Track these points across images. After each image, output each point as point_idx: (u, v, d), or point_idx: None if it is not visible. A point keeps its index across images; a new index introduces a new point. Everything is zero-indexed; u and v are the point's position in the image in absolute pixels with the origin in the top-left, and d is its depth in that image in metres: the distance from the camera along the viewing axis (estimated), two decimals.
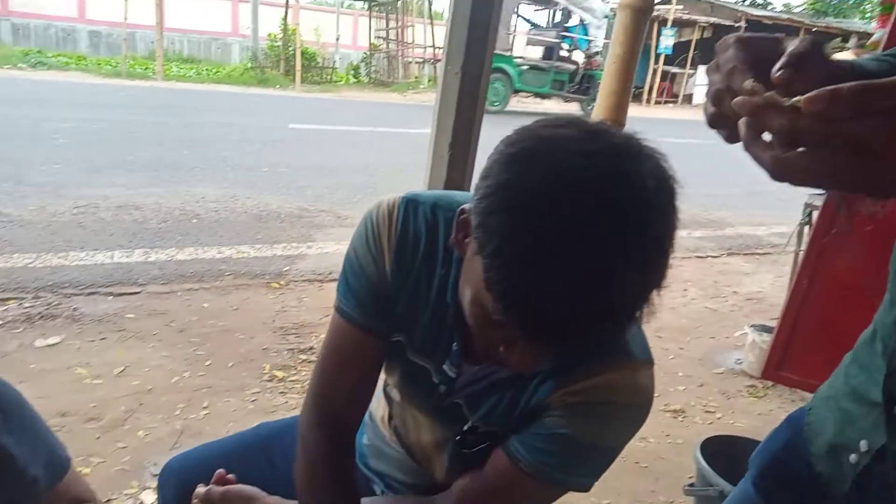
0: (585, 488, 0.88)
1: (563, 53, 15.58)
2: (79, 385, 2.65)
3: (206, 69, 16.45)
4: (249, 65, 16.57)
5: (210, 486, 1.10)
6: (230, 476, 1.14)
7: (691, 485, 1.85)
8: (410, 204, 0.89)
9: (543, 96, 15.83)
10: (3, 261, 3.71)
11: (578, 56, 15.83)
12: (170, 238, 4.35)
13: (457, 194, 0.94)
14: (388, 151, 8.32)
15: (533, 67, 14.93)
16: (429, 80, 17.55)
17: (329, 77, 17.20)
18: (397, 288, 0.90)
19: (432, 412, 0.96)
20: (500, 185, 0.64)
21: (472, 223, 0.68)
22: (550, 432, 0.84)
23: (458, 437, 0.93)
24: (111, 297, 3.47)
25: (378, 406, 1.11)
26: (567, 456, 0.85)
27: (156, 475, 2.18)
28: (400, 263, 0.88)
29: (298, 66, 15.44)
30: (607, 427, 0.84)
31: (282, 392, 2.78)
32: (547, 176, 0.63)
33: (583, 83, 15.12)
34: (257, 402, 2.68)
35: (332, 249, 4.47)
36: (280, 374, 2.90)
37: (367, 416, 1.15)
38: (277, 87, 15.28)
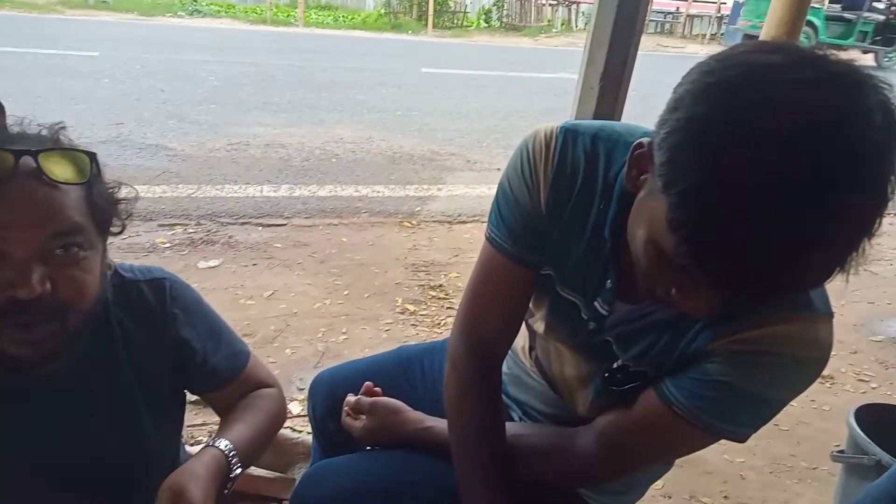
0: (741, 439, 0.84)
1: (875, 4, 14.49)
2: (235, 304, 2.93)
3: (343, 16, 16.90)
4: (383, 11, 16.82)
5: (359, 397, 1.19)
6: (377, 389, 1.22)
7: (841, 451, 1.73)
8: (569, 134, 0.86)
9: (844, 49, 14.83)
10: (170, 190, 4.12)
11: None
12: (311, 175, 4.60)
13: (618, 125, 0.89)
14: (519, 96, 8.18)
15: (839, 18, 14.06)
16: (562, 24, 16.90)
17: (460, 22, 17.07)
18: (551, 220, 0.88)
19: (578, 347, 0.95)
20: (694, 118, 0.58)
21: (656, 159, 0.62)
22: (711, 379, 0.80)
23: (606, 375, 0.92)
24: (261, 227, 3.76)
25: (519, 336, 1.12)
26: (726, 403, 0.81)
27: (302, 389, 2.40)
28: (555, 195, 0.86)
29: (431, 12, 15.46)
30: (776, 379, 0.78)
31: (413, 325, 2.90)
32: (753, 110, 0.55)
33: (886, 33, 14.07)
34: (390, 332, 2.83)
35: (461, 192, 4.53)
36: (411, 307, 3.03)
37: None
38: (410, 32, 15.41)
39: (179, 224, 3.70)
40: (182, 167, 4.52)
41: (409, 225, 3.95)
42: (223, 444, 0.93)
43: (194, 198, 4.05)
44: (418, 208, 4.20)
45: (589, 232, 0.85)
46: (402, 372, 1.32)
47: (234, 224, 3.76)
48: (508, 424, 1.03)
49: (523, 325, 1.09)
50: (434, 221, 4.03)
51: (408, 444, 1.08)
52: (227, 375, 1.06)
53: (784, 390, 0.80)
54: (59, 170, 0.77)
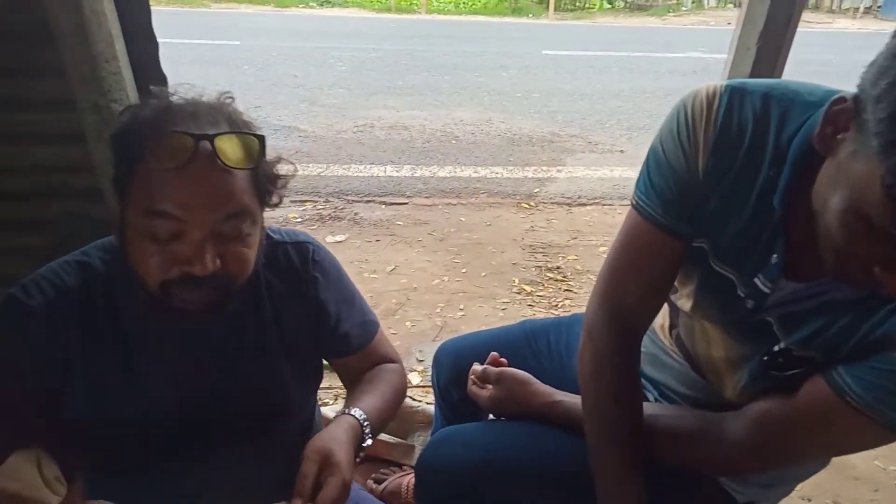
0: None
1: None
2: (360, 277, 3.06)
3: (464, 2, 16.94)
4: None
5: (486, 366, 1.20)
6: (503, 360, 1.23)
7: None
8: (736, 93, 0.79)
9: None
10: (302, 169, 4.36)
11: None
12: (432, 156, 4.69)
13: (793, 84, 0.79)
14: (644, 77, 7.83)
15: None
16: (692, 2, 15.89)
17: (582, 4, 16.57)
18: (709, 187, 0.81)
19: (730, 327, 0.88)
20: None
21: (869, 115, 0.56)
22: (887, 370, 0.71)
23: (765, 358, 0.84)
24: (384, 205, 3.89)
25: (658, 313, 1.08)
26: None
27: (421, 360, 2.47)
28: (716, 160, 0.79)
29: None
30: None
31: (529, 305, 2.89)
32: None
33: None
34: (507, 312, 2.83)
35: (581, 174, 4.42)
36: (528, 288, 3.02)
37: None
38: (530, 15, 15.19)
39: (310, 200, 3.91)
40: (312, 147, 4.76)
41: (527, 206, 3.92)
42: (358, 413, 0.98)
43: (323, 176, 4.26)
44: (537, 190, 4.16)
45: (754, 201, 0.78)
46: (527, 345, 1.31)
47: (359, 202, 3.92)
48: (645, 404, 0.98)
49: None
50: (553, 203, 3.98)
51: (535, 417, 1.07)
52: (357, 343, 1.10)
53: None
54: (232, 154, 0.80)
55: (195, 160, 0.77)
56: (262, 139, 0.83)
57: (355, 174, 4.32)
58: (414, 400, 1.88)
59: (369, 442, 0.98)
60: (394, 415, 1.13)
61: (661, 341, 1.05)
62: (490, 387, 1.14)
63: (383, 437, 1.70)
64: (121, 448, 0.94)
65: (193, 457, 0.94)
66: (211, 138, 0.78)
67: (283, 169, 0.90)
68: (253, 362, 0.98)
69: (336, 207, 3.84)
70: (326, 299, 1.04)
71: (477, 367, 1.19)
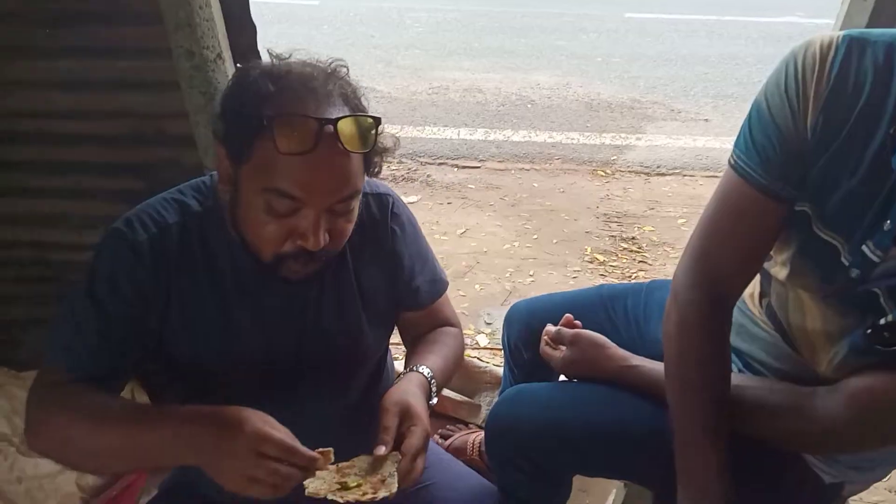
0: None
1: None
2: (431, 239, 3.04)
3: None
4: None
5: (560, 327, 1.18)
6: (577, 322, 1.21)
7: None
8: (855, 43, 0.72)
9: None
10: None
11: None
12: (507, 120, 4.61)
13: None
14: (734, 42, 7.38)
15: None
16: None
17: None
18: (818, 147, 0.76)
19: (830, 298, 0.83)
20: None
21: None
22: None
23: (868, 331, 0.78)
24: (456, 168, 3.88)
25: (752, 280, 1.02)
26: None
27: (489, 323, 2.47)
28: (828, 117, 0.74)
29: None
30: None
31: (602, 274, 2.83)
32: None
33: None
34: (577, 280, 2.79)
35: (661, 143, 4.25)
36: (601, 257, 2.95)
37: None
38: None
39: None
40: (388, 108, 4.77)
41: (604, 174, 3.81)
42: (425, 370, 0.99)
43: (398, 137, 4.27)
44: (614, 157, 4.03)
45: (868, 162, 0.72)
46: (602, 309, 1.28)
47: (432, 164, 3.91)
48: (735, 375, 0.94)
49: None
50: (630, 172, 3.85)
51: (610, 380, 1.05)
52: (426, 299, 1.11)
53: None
54: (352, 138, 0.79)
55: (319, 145, 0.77)
56: (378, 121, 0.82)
57: (429, 136, 4.31)
58: (481, 361, 1.88)
59: (435, 400, 0.99)
60: (451, 377, 1.13)
61: (749, 311, 1.00)
62: (563, 348, 1.12)
63: (451, 394, 1.72)
64: (208, 390, 0.98)
65: (275, 401, 0.97)
66: (334, 122, 0.77)
67: (388, 141, 0.89)
68: (333, 311, 1.00)
69: (409, 169, 3.85)
70: (402, 252, 1.05)
71: (551, 327, 1.17)
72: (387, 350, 1.19)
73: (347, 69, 0.87)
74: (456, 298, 2.61)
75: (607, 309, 1.29)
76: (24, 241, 1.55)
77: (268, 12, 7.66)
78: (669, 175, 3.80)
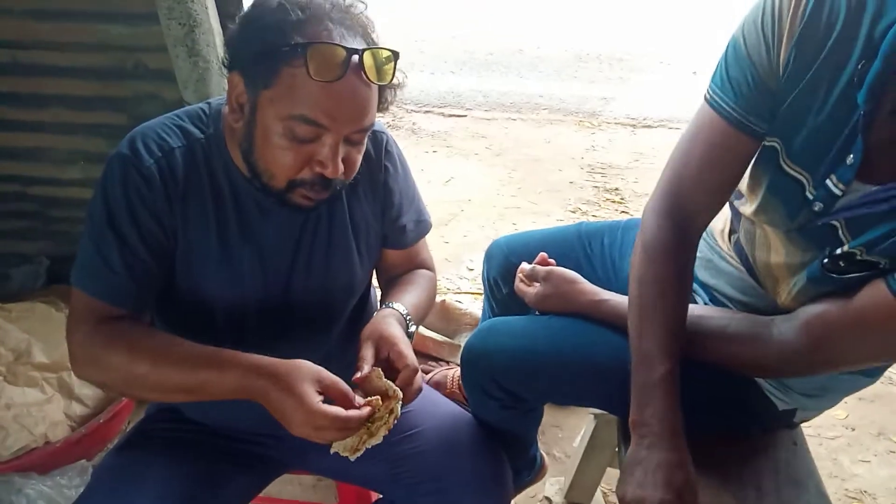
0: None
1: None
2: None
3: None
4: None
5: (534, 265, 1.21)
6: (551, 260, 1.24)
7: None
8: None
9: None
10: None
11: None
12: (494, 69, 4.57)
13: None
14: None
15: None
16: None
17: None
18: (788, 83, 0.77)
19: (793, 232, 0.86)
20: None
21: None
22: None
23: (825, 260, 0.82)
24: (442, 116, 3.86)
25: (717, 218, 1.05)
26: None
27: (471, 269, 2.51)
28: (800, 52, 0.75)
29: None
30: None
31: None
32: None
33: None
34: None
35: (649, 95, 4.24)
36: (584, 207, 2.98)
37: None
38: None
39: None
40: None
41: (590, 125, 3.81)
42: (400, 307, 1.02)
43: (405, 74, 4.22)
44: (600, 109, 4.02)
45: (835, 98, 0.74)
46: (580, 246, 1.31)
47: (417, 112, 3.89)
48: (694, 306, 0.98)
49: (727, 206, 1.01)
50: (616, 123, 3.85)
51: (581, 314, 1.09)
52: (410, 238, 1.13)
53: None
54: (377, 70, 0.81)
55: (346, 74, 0.78)
56: (397, 55, 0.83)
57: (415, 83, 4.25)
58: (461, 303, 1.93)
59: (412, 331, 1.02)
60: (424, 319, 1.16)
61: (718, 247, 1.03)
62: (537, 285, 1.15)
63: (432, 335, 1.76)
64: (203, 322, 0.99)
65: (272, 333, 1.00)
66: (360, 53, 0.79)
67: (399, 77, 0.90)
68: (326, 243, 1.02)
69: (395, 116, 3.82)
70: (393, 189, 1.07)
71: (525, 265, 1.20)
72: (370, 284, 1.21)
73: (365, 5, 0.88)
74: (440, 245, 2.64)
75: (584, 246, 1.32)
76: (4, 176, 1.54)
77: None
78: (655, 126, 3.81)
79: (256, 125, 0.84)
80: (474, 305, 1.95)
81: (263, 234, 0.97)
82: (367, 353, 0.90)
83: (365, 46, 0.81)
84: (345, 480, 1.18)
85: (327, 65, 0.78)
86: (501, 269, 1.36)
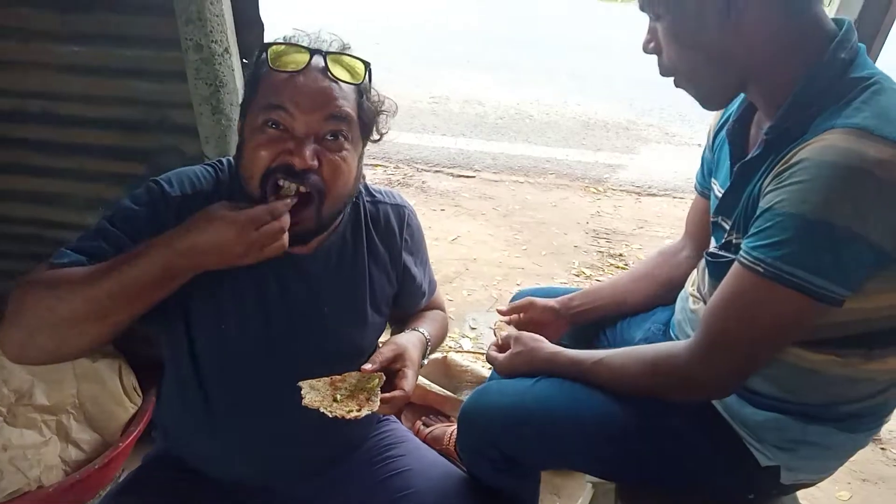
0: (832, 298, 0.77)
1: None
2: None
3: None
4: None
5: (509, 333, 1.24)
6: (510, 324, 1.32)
7: None
8: None
9: None
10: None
11: None
12: (504, 133, 4.69)
13: None
14: None
15: None
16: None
17: None
18: None
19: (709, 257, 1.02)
20: None
21: None
22: (759, 213, 0.82)
23: (708, 254, 0.98)
24: (451, 177, 3.94)
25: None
26: (786, 240, 0.78)
27: (474, 328, 2.52)
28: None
29: None
30: (814, 192, 0.76)
31: None
32: None
33: None
34: None
35: (654, 164, 4.33)
36: (588, 271, 3.01)
37: None
38: (619, 0, 14.78)
39: (381, 165, 4.00)
40: None
41: (595, 191, 3.88)
42: (425, 332, 1.12)
43: (395, 143, 4.33)
44: (607, 175, 4.11)
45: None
46: None
47: (428, 171, 3.98)
48: (620, 350, 1.05)
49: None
50: (622, 190, 3.92)
51: (543, 369, 1.11)
52: (426, 299, 1.24)
53: (830, 206, 0.75)
54: (339, 70, 0.92)
55: (309, 69, 0.90)
56: (367, 64, 0.95)
57: (427, 143, 4.37)
58: (464, 361, 1.93)
59: (426, 361, 1.11)
60: (437, 348, 1.25)
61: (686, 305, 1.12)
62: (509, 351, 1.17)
63: (437, 389, 1.77)
64: (200, 365, 1.00)
65: (268, 387, 1.01)
66: (324, 54, 0.91)
67: (386, 105, 1.01)
68: (343, 306, 1.06)
69: (405, 174, 3.91)
70: (411, 261, 1.15)
71: (500, 333, 1.23)
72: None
73: (350, 47, 0.98)
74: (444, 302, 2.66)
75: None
76: (25, 218, 1.59)
77: (275, 11, 7.73)
78: (660, 196, 3.88)
79: (244, 137, 0.94)
80: (476, 364, 1.95)
81: (275, 287, 1.01)
82: (387, 354, 0.98)
83: (330, 51, 0.92)
84: None
85: (286, 56, 0.91)
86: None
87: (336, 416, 0.86)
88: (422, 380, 1.79)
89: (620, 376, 1.00)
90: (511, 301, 1.40)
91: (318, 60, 0.91)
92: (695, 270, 1.14)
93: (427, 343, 1.10)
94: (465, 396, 1.78)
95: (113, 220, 0.93)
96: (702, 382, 0.91)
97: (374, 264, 1.09)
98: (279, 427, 1.01)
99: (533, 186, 3.89)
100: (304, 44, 0.93)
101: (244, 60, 1.34)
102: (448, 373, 1.86)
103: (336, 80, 0.91)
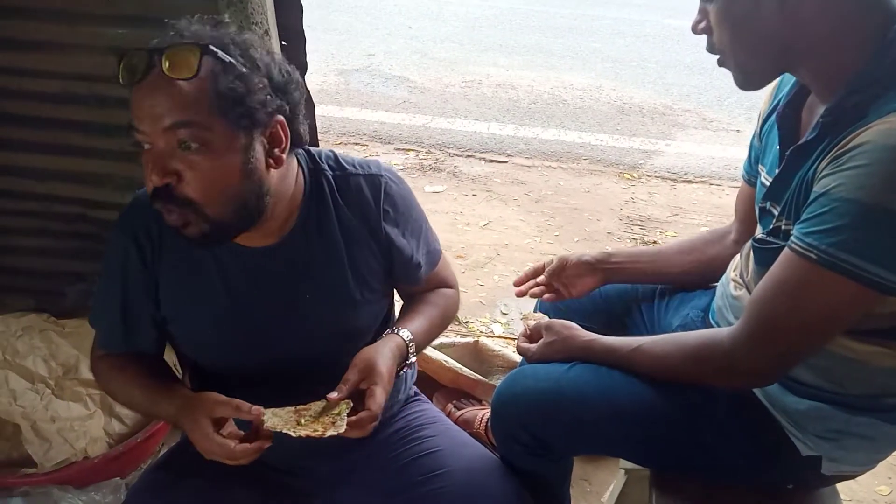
0: (883, 285, 0.74)
1: None
2: (454, 228, 3.13)
3: None
4: None
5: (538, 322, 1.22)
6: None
7: None
8: None
9: None
10: (408, 118, 4.44)
11: None
12: (537, 118, 4.64)
13: None
14: None
15: None
16: None
17: None
18: None
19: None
20: None
21: None
22: (814, 198, 0.80)
23: (756, 241, 0.95)
24: (483, 161, 3.92)
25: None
26: (841, 225, 0.76)
27: (505, 313, 2.52)
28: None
29: None
30: (873, 177, 0.73)
31: None
32: None
33: None
34: None
35: (691, 150, 4.24)
36: None
37: None
38: None
39: (413, 150, 4.00)
40: (420, 98, 4.83)
41: (630, 177, 3.83)
42: (405, 334, 1.05)
43: (427, 127, 4.33)
44: (642, 161, 4.04)
45: None
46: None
47: (459, 156, 3.96)
48: (659, 337, 1.05)
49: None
50: (657, 177, 3.86)
51: (578, 356, 1.10)
52: (424, 271, 1.16)
53: (890, 192, 0.73)
54: (174, 67, 0.81)
55: (148, 76, 0.82)
56: (206, 50, 0.83)
57: (459, 128, 4.35)
58: (497, 346, 1.94)
59: (413, 360, 1.06)
60: (437, 336, 1.22)
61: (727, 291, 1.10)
62: (541, 342, 1.16)
63: (468, 373, 1.78)
64: (204, 369, 1.11)
65: (274, 377, 1.03)
66: (155, 52, 0.82)
67: (257, 82, 0.87)
68: (324, 290, 1.04)
69: (437, 159, 3.90)
70: (395, 232, 1.08)
71: (530, 323, 1.22)
72: (386, 320, 1.21)
73: (222, 22, 0.92)
74: (474, 287, 2.66)
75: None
76: (71, 198, 1.63)
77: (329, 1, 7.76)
78: (696, 183, 3.80)
79: None
80: (507, 348, 1.96)
81: (244, 289, 1.02)
82: (352, 378, 0.94)
83: (168, 44, 0.83)
84: None
85: (127, 69, 0.83)
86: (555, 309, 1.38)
87: (300, 437, 0.87)
88: (453, 363, 1.80)
89: (661, 363, 0.99)
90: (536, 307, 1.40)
91: (153, 61, 0.82)
92: (737, 256, 1.12)
93: (408, 345, 1.04)
94: (496, 381, 1.79)
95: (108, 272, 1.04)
96: (746, 370, 0.90)
97: (349, 240, 1.04)
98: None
99: (566, 172, 3.85)
100: (155, 44, 0.84)
101: (283, 42, 1.35)
102: (479, 357, 1.87)
103: (172, 79, 0.81)
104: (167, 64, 0.81)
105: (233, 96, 0.84)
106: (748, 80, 0.93)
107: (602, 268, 1.29)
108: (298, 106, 0.96)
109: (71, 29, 1.38)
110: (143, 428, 1.56)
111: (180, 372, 1.63)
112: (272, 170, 0.93)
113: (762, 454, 0.99)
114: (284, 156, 0.95)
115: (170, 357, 1.66)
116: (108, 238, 1.04)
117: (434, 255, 1.18)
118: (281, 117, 0.92)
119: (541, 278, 1.31)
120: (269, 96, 0.89)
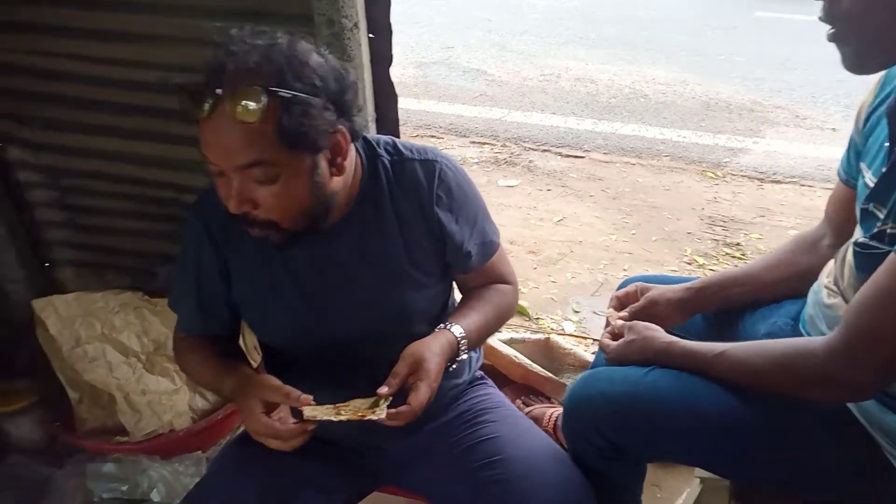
0: None
1: None
2: (526, 223, 3.11)
3: None
4: None
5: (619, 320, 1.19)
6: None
7: None
8: None
9: None
10: (485, 112, 4.44)
11: None
12: (617, 112, 4.52)
13: None
14: None
15: None
16: None
17: None
18: None
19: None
20: None
21: None
22: None
23: (858, 243, 0.86)
24: (560, 156, 3.86)
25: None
26: None
27: (577, 311, 2.48)
28: None
29: None
30: None
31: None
32: None
33: None
34: None
35: (781, 149, 4.02)
36: (700, 260, 2.87)
37: None
38: None
39: (488, 143, 3.99)
40: (497, 91, 4.81)
41: (713, 176, 3.68)
42: (458, 330, 1.04)
43: (504, 121, 4.30)
44: (727, 160, 3.87)
45: None
46: None
47: (535, 150, 3.92)
48: (744, 343, 1.00)
49: None
50: (742, 176, 3.68)
51: (656, 360, 1.06)
52: (475, 262, 1.14)
53: None
54: (241, 108, 0.83)
55: (215, 113, 0.84)
56: (271, 93, 0.84)
57: (535, 122, 4.30)
58: (568, 344, 1.91)
59: (464, 357, 1.05)
60: (493, 334, 1.22)
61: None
62: (622, 339, 1.13)
63: (537, 369, 1.76)
64: (273, 351, 1.16)
65: (334, 357, 1.07)
66: (222, 95, 0.84)
67: (314, 112, 0.88)
68: (380, 270, 1.06)
69: (512, 153, 3.88)
70: (448, 218, 1.08)
71: (616, 321, 1.19)
72: (444, 307, 1.21)
73: (302, 43, 0.92)
74: (546, 283, 2.63)
75: None
76: (164, 182, 1.73)
77: None
78: (785, 183, 3.61)
79: None
80: (579, 347, 1.93)
81: (305, 273, 1.06)
82: (401, 371, 0.96)
83: (239, 87, 0.83)
84: (430, 500, 1.20)
85: (191, 104, 0.85)
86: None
87: (341, 421, 0.91)
88: (523, 359, 1.79)
89: (745, 371, 0.95)
90: (619, 288, 1.36)
91: (218, 100, 0.84)
92: (831, 262, 1.05)
93: (459, 342, 1.03)
94: (566, 379, 1.76)
95: (185, 263, 1.11)
96: (842, 383, 0.85)
97: (403, 223, 1.06)
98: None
99: (645, 169, 3.74)
100: (205, 81, 0.86)
101: (371, 35, 1.37)
102: (550, 355, 1.85)
103: (239, 121, 0.83)
104: (231, 108, 0.84)
105: (297, 130, 0.87)
106: (862, 62, 0.85)
107: (690, 308, 1.23)
108: (354, 104, 0.97)
109: (170, 21, 1.45)
110: (224, 406, 1.63)
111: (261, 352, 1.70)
112: (336, 177, 0.98)
113: (854, 471, 0.94)
114: (347, 162, 0.98)
115: (252, 339, 1.73)
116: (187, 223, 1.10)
117: (489, 246, 1.16)
118: (341, 127, 0.95)
119: (623, 313, 1.24)
120: (329, 113, 0.91)
